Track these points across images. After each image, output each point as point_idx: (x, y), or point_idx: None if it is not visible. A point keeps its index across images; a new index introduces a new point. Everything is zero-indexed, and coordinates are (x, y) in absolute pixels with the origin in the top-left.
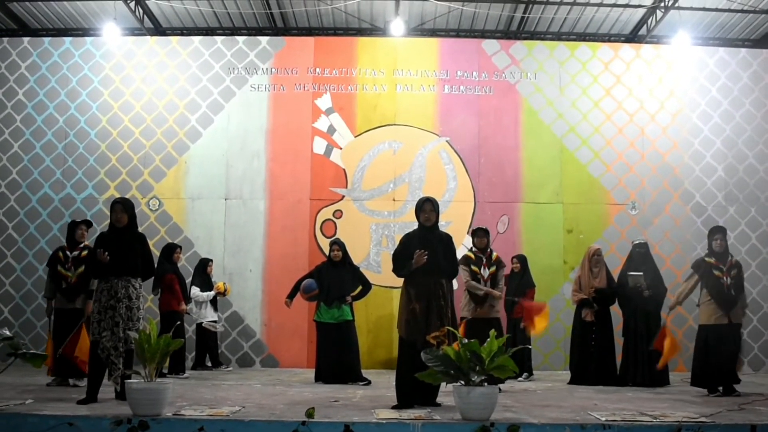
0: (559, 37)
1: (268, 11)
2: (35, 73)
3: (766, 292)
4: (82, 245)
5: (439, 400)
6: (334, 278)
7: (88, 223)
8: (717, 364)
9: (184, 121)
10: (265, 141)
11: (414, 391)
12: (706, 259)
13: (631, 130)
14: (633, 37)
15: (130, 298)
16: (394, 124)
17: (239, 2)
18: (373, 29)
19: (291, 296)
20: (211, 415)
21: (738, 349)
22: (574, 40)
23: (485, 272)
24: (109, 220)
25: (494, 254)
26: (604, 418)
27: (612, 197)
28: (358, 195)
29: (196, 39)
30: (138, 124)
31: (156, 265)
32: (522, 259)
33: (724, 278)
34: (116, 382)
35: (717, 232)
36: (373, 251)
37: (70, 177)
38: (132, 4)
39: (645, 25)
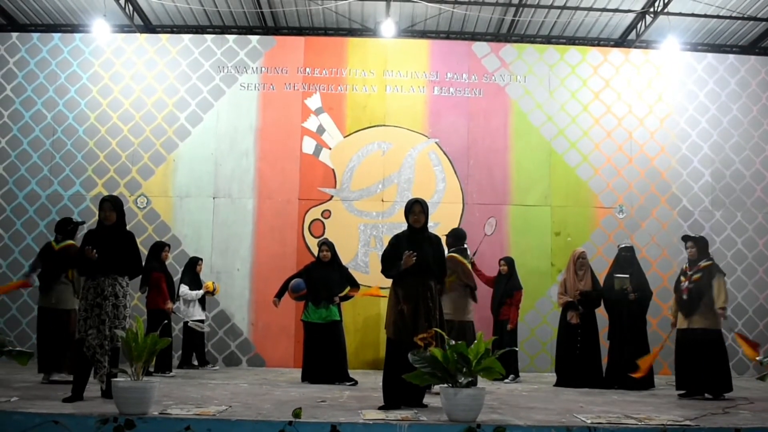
0: (549, 40)
1: (259, 10)
2: (23, 69)
3: (751, 297)
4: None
5: (425, 401)
6: (323, 278)
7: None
8: (690, 367)
9: (173, 119)
10: (254, 140)
11: (401, 392)
12: (684, 266)
13: (620, 134)
14: (622, 41)
15: (117, 296)
16: (384, 125)
17: (230, 0)
18: (363, 30)
19: (279, 296)
20: (197, 415)
21: (720, 354)
22: (564, 43)
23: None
24: (96, 218)
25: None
26: (589, 421)
27: (600, 201)
28: (347, 195)
29: (186, 37)
30: (126, 121)
31: (143, 264)
32: (509, 262)
33: (684, 283)
34: (102, 381)
35: (687, 240)
36: (361, 252)
37: (57, 174)
38: (122, 1)
39: (634, 30)
